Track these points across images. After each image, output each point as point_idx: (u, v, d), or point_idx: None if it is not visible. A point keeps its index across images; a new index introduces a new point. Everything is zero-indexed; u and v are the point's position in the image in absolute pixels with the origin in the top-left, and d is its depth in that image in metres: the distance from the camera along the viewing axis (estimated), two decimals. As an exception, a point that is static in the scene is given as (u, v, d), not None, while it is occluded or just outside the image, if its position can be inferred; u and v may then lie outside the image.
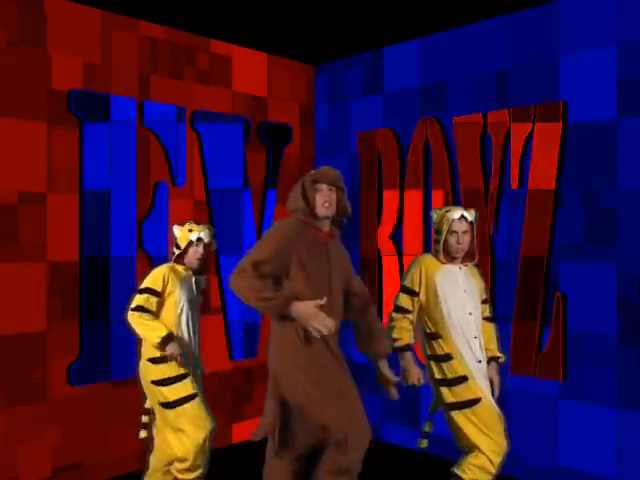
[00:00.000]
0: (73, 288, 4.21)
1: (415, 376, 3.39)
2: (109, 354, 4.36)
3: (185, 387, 3.55)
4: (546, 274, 4.20)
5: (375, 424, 5.21)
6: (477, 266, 3.68)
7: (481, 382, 3.40)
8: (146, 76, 4.59)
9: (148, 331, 3.51)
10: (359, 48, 5.30)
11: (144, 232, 4.56)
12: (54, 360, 4.11)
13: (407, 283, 3.51)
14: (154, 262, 4.55)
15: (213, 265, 4.90)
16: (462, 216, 3.48)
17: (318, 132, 5.77)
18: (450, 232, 3.47)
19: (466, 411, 3.34)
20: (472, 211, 3.56)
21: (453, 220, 3.47)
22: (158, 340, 3.47)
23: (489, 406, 3.36)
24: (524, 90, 4.34)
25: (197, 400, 3.57)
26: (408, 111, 5.03)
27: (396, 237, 5.10)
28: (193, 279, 3.76)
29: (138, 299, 3.56)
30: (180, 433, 3.53)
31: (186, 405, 3.52)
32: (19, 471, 3.96)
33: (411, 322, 3.47)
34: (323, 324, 2.86)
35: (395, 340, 3.42)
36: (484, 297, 3.61)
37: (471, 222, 3.51)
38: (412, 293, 3.48)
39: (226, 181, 5.05)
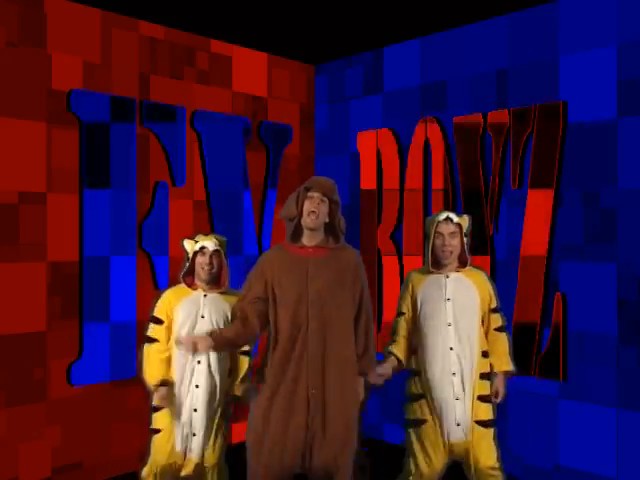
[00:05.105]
0: (73, 288, 4.21)
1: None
2: (109, 354, 4.35)
3: (155, 419, 3.36)
4: (546, 274, 4.20)
5: (376, 424, 5.21)
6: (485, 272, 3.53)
7: (440, 398, 3.30)
8: (146, 76, 4.59)
9: (145, 372, 3.34)
10: (359, 48, 5.30)
11: (144, 232, 4.55)
12: (54, 360, 4.11)
13: (398, 305, 3.51)
14: (154, 262, 4.56)
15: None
16: (447, 217, 3.37)
17: (318, 132, 5.77)
18: (437, 235, 3.37)
19: (411, 430, 3.38)
20: (465, 216, 3.46)
21: (439, 222, 3.36)
22: (150, 387, 3.32)
23: (432, 429, 3.33)
24: (524, 90, 4.34)
25: (160, 436, 3.34)
26: (408, 111, 5.03)
27: (396, 237, 5.10)
28: (203, 296, 3.39)
29: (148, 328, 3.39)
30: None
31: (154, 436, 3.37)
32: (19, 471, 3.95)
33: (406, 340, 3.44)
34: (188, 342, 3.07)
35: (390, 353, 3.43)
36: (493, 306, 3.39)
37: (458, 224, 3.38)
38: (400, 314, 3.47)
39: (226, 181, 5.06)
